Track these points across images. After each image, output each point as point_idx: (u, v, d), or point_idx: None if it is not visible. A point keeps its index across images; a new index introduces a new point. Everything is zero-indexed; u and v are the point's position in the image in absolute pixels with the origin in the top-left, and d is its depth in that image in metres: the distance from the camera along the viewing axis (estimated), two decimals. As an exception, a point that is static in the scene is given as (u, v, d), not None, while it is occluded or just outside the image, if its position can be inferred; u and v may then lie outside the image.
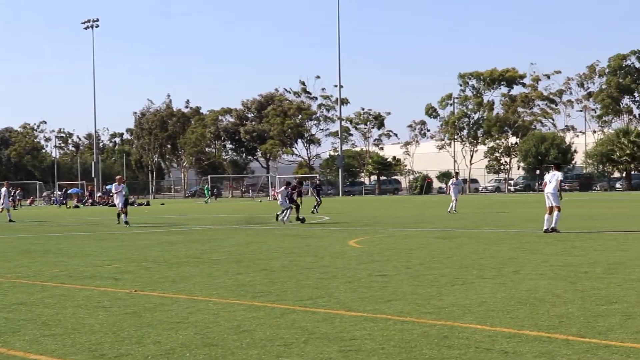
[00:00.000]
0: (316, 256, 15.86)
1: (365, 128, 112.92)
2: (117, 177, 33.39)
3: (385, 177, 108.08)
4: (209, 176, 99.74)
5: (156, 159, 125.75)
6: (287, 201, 30.12)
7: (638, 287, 10.32)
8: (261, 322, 8.39)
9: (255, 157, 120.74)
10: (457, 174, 38.84)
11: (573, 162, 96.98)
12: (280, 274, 12.85)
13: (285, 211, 29.79)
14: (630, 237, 18.97)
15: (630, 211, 33.62)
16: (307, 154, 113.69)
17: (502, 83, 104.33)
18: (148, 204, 73.32)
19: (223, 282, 11.90)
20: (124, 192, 31.17)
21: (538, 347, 6.89)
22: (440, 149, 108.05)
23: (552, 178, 21.47)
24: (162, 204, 73.40)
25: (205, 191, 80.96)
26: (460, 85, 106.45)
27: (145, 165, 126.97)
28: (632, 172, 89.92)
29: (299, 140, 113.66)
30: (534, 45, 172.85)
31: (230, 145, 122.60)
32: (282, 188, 31.24)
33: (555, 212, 20.96)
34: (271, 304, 9.61)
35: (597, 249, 16.01)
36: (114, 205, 40.74)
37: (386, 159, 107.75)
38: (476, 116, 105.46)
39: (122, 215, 30.97)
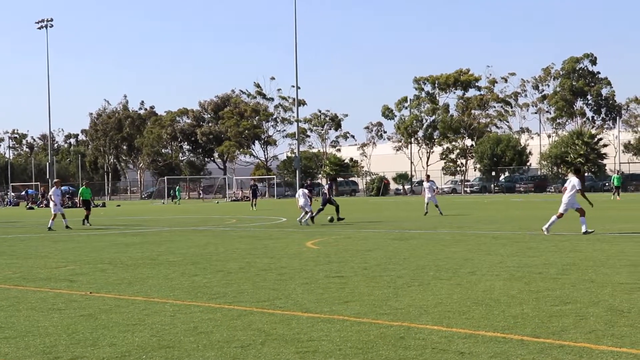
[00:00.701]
0: (273, 257, 15.84)
1: (322, 130, 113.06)
2: (55, 180, 32.95)
3: (342, 179, 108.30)
4: (165, 177, 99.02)
5: (112, 160, 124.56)
6: (309, 201, 29.04)
7: (591, 287, 10.47)
8: (218, 324, 8.35)
9: (212, 158, 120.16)
10: (428, 176, 38.54)
11: (528, 163, 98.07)
12: (238, 275, 12.81)
13: (306, 213, 28.83)
14: (583, 238, 19.24)
15: (574, 213, 34.03)
16: (265, 155, 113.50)
17: (458, 86, 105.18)
18: (104, 205, 72.54)
19: (180, 284, 11.82)
20: (59, 195, 30.93)
21: (493, 348, 6.95)
22: (397, 150, 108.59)
23: (569, 185, 21.38)
24: (118, 206, 72.73)
25: (177, 192, 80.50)
26: (416, 89, 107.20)
27: (100, 167, 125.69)
28: (586, 174, 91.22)
29: (256, 142, 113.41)
30: (491, 48, 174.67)
31: (187, 147, 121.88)
32: (302, 189, 30.00)
33: (580, 217, 20.93)
34: (228, 306, 9.57)
35: (551, 250, 16.21)
36: (73, 206, 40.33)
37: (343, 161, 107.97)
38: (432, 119, 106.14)
39: (84, 218, 31.62)
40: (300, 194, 29.54)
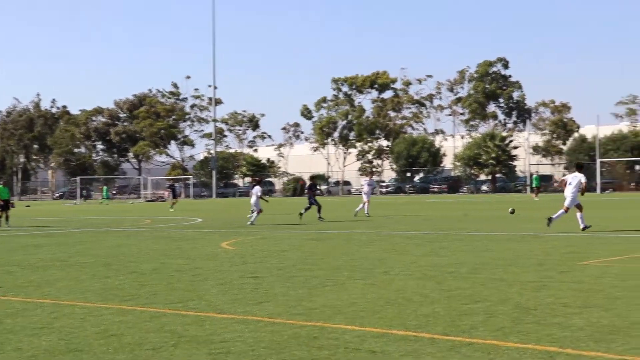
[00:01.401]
0: (188, 258, 15.70)
1: (239, 130, 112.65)
2: None
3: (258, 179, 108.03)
4: (78, 177, 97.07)
5: (22, 160, 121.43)
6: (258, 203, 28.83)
7: (500, 286, 10.70)
8: (129, 326, 8.23)
9: (126, 158, 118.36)
10: (371, 173, 37.75)
11: (442, 164, 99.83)
12: (151, 276, 12.65)
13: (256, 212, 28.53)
14: (494, 238, 19.66)
15: (495, 213, 34.84)
16: (181, 155, 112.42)
17: (375, 87, 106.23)
18: (13, 205, 70.60)
19: (90, 286, 11.60)
20: None
21: (405, 346, 7.04)
22: (314, 151, 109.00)
23: (574, 180, 21.69)
24: (28, 206, 70.92)
25: (104, 192, 78.68)
26: (334, 90, 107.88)
27: (9, 167, 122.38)
28: (497, 175, 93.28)
29: (172, 142, 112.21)
30: (408, 51, 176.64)
31: (102, 146, 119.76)
32: (257, 187, 29.54)
33: (577, 213, 21.32)
34: (140, 308, 9.44)
35: (463, 249, 16.51)
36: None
37: (260, 161, 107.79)
38: (348, 119, 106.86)
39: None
40: (254, 192, 29.28)
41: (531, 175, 73.10)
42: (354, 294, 10.20)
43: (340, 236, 21.63)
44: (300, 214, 30.97)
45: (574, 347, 6.82)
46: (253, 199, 28.93)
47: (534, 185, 60.63)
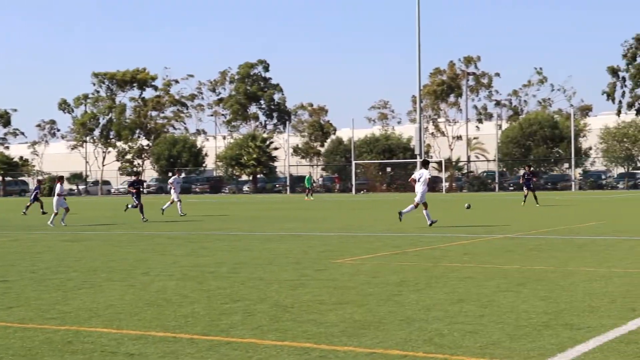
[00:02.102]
0: None
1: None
2: None
3: (11, 178, 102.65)
4: None
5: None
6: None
7: (259, 285, 10.88)
8: None
9: None
10: (179, 170, 36.23)
11: (204, 165, 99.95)
12: None
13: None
14: (254, 237, 19.96)
15: (255, 213, 35.39)
16: None
17: (134, 85, 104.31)
18: None
19: None
20: None
21: (163, 348, 6.96)
22: (72, 149, 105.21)
23: (421, 176, 22.82)
24: None
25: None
26: (94, 85, 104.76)
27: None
28: (258, 176, 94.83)
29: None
30: (170, 49, 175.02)
31: None
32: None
33: (423, 210, 22.45)
34: None
35: (224, 249, 16.62)
36: None
37: (12, 159, 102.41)
38: (109, 117, 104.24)
39: None
40: (56, 192, 27.33)
41: (309, 173, 74.80)
42: (112, 296, 9.95)
43: (98, 237, 21.02)
44: (126, 209, 31.90)
45: (328, 343, 7.07)
46: (55, 199, 27.23)
47: (306, 185, 62.18)
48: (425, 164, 24.02)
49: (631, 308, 8.56)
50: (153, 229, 24.42)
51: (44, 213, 35.32)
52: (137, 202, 29.29)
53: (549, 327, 7.57)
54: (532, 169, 38.51)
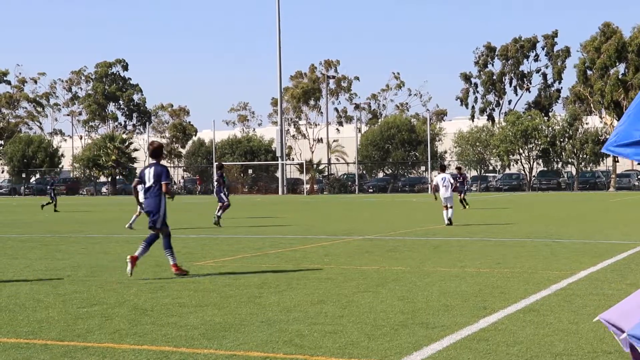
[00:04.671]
0: None
1: None
2: None
3: None
4: None
5: None
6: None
7: (118, 288, 10.66)
8: None
9: None
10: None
11: (60, 166, 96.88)
12: None
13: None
14: (113, 240, 19.52)
15: (114, 215, 34.64)
16: None
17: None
18: None
19: None
20: None
21: (15, 354, 6.73)
22: None
23: (445, 181, 23.02)
24: None
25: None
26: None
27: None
28: (117, 177, 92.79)
29: None
30: (23, 47, 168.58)
31: None
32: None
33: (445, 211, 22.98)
34: None
35: (81, 252, 16.18)
36: None
37: None
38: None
39: None
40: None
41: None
42: (-40, 303, 9.51)
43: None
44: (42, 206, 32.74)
45: (188, 346, 7.02)
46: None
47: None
48: (443, 169, 24.53)
49: (482, 306, 8.91)
50: (3, 231, 23.48)
51: None
52: (52, 198, 28.89)
53: (405, 327, 7.78)
54: (461, 170, 37.24)
